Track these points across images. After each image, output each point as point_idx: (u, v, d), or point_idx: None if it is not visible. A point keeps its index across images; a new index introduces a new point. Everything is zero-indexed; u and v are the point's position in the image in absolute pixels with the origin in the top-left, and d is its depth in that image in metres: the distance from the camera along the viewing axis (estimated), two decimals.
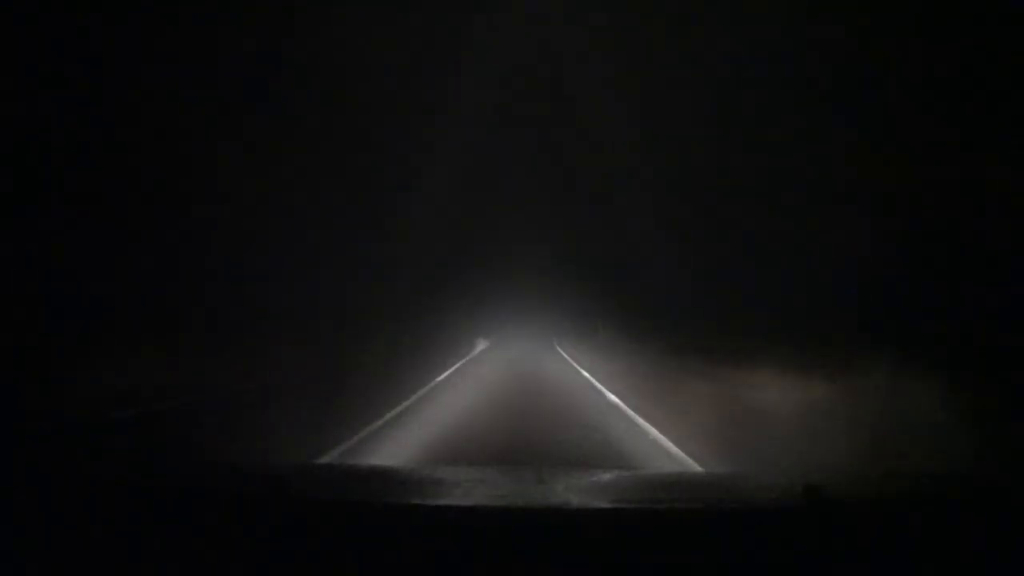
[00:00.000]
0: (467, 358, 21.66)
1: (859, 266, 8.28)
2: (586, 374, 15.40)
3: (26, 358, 6.12)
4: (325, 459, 5.42)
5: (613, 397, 10.55)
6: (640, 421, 7.92)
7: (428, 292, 21.28)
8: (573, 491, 2.31)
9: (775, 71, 11.42)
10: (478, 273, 30.99)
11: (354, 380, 10.67)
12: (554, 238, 29.81)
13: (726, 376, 8.36)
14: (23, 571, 1.50)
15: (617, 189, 19.41)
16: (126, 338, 7.53)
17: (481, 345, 27.40)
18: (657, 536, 1.58)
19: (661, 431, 7.03)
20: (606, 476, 3.07)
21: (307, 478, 2.47)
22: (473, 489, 2.37)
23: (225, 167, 10.03)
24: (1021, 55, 6.67)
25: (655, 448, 6.37)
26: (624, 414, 8.75)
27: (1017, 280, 6.47)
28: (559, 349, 25.77)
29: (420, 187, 18.29)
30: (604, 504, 2.16)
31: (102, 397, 6.27)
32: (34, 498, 1.69)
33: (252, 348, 9.31)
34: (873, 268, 8.31)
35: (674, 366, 11.15)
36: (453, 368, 16.74)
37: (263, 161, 11.05)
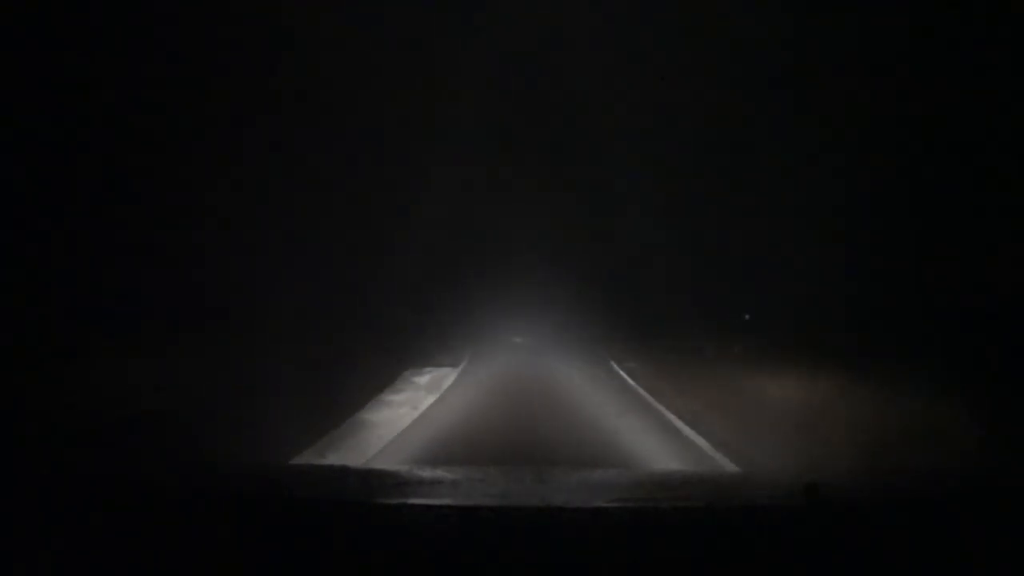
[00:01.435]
0: None
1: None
2: None
3: (23, 359, 6.12)
4: None
5: None
6: None
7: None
8: (573, 490, 2.31)
9: (776, 75, 11.47)
10: (473, 267, 29.41)
11: None
12: (565, 234, 28.48)
13: None
14: (23, 571, 1.50)
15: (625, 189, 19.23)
16: (124, 336, 7.53)
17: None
18: (657, 535, 1.58)
19: None
20: (606, 475, 3.07)
21: (306, 479, 2.47)
22: (473, 489, 2.37)
23: (224, 170, 10.06)
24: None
25: None
26: None
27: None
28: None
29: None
30: (604, 503, 2.15)
31: (110, 396, 6.21)
32: (34, 498, 1.69)
33: None
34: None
35: None
36: None
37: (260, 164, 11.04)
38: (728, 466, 5.40)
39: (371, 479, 2.64)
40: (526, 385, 11.29)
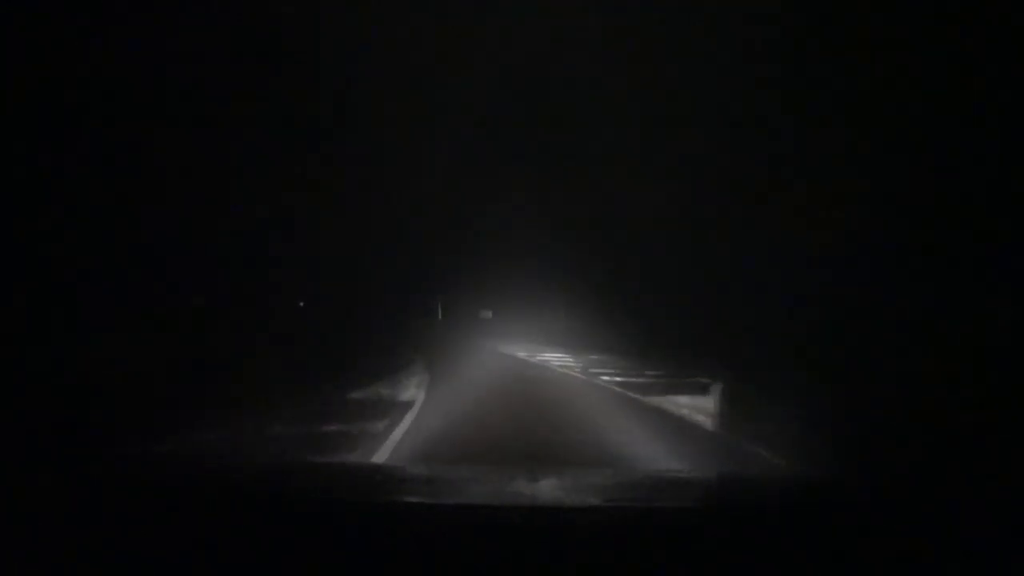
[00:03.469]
0: None
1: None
2: None
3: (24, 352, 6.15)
4: None
5: None
6: None
7: None
8: (566, 490, 2.29)
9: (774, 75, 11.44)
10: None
11: None
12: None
13: None
14: (23, 571, 1.49)
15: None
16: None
17: None
18: (652, 536, 1.57)
19: None
20: (600, 474, 3.05)
21: (302, 477, 2.46)
22: (466, 488, 2.36)
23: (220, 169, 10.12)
24: None
25: None
26: None
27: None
28: None
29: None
30: (598, 503, 2.14)
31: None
32: (34, 498, 1.69)
33: None
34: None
35: None
36: None
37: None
38: None
39: (364, 477, 2.63)
40: None
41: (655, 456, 5.57)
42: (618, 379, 11.80)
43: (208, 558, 1.49)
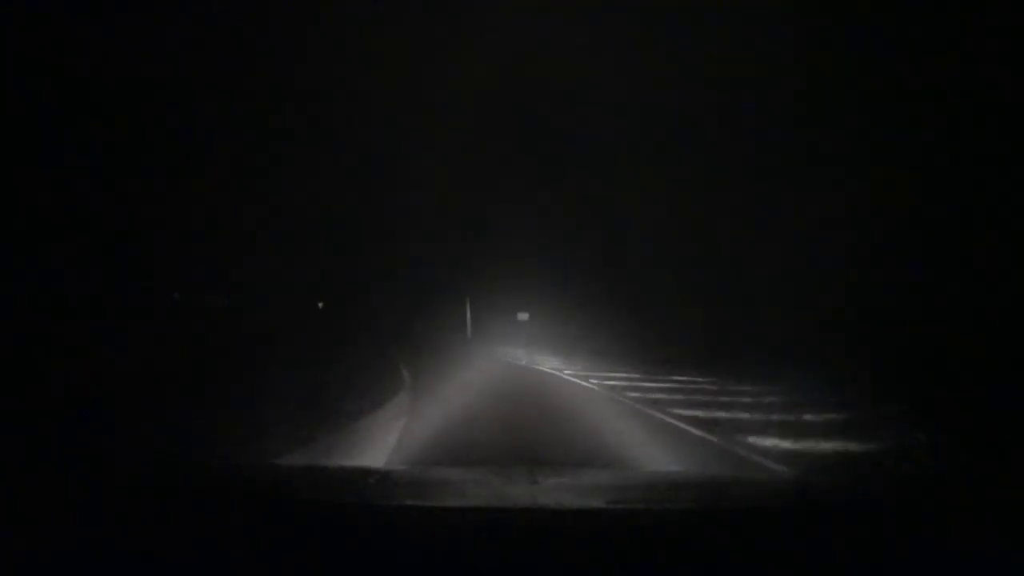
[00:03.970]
0: None
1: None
2: None
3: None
4: None
5: None
6: None
7: None
8: (566, 491, 2.30)
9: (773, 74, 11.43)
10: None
11: None
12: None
13: None
14: (24, 571, 1.49)
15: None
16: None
17: None
18: (650, 536, 1.57)
19: None
20: (600, 476, 3.05)
21: (302, 479, 2.46)
22: (466, 490, 2.36)
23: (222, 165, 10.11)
24: None
25: None
26: None
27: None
28: None
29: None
30: (597, 504, 2.14)
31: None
32: (34, 498, 1.69)
33: None
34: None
35: None
36: None
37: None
38: None
39: (366, 480, 2.63)
40: None
41: None
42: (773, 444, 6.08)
43: (208, 559, 1.49)
